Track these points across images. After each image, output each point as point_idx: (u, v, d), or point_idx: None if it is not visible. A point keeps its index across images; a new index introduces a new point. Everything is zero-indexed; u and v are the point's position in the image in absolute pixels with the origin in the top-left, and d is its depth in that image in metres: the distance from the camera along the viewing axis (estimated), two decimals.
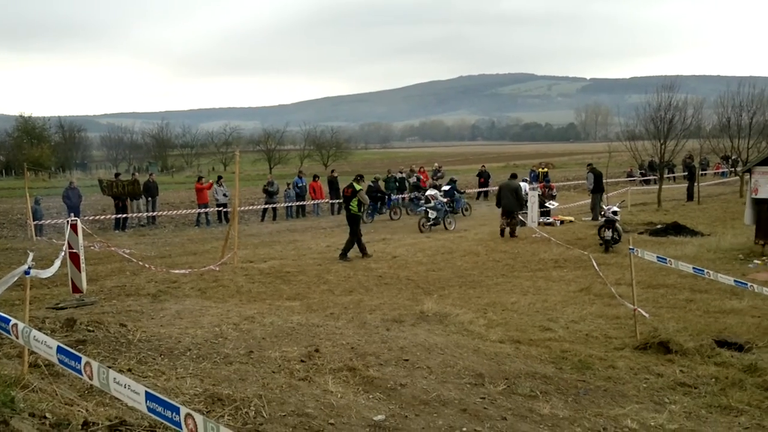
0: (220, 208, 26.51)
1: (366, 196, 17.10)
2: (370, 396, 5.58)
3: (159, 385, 5.10)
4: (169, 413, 2.69)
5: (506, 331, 8.91)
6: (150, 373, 5.53)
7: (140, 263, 13.61)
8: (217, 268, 13.64)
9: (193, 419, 2.60)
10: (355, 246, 16.04)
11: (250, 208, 28.43)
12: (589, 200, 24.86)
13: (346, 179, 19.52)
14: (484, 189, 36.28)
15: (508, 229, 18.97)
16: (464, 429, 4.83)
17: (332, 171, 33.62)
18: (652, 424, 5.29)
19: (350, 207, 16.20)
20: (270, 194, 28.40)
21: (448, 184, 27.96)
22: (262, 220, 27.67)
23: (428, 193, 24.64)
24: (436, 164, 37.49)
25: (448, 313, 9.64)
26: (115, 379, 3.01)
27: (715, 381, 6.83)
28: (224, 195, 26.62)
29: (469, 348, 7.75)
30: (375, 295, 11.77)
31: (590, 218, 23.02)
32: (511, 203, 19.16)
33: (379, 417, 4.95)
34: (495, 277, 13.55)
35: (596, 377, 6.90)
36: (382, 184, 29.68)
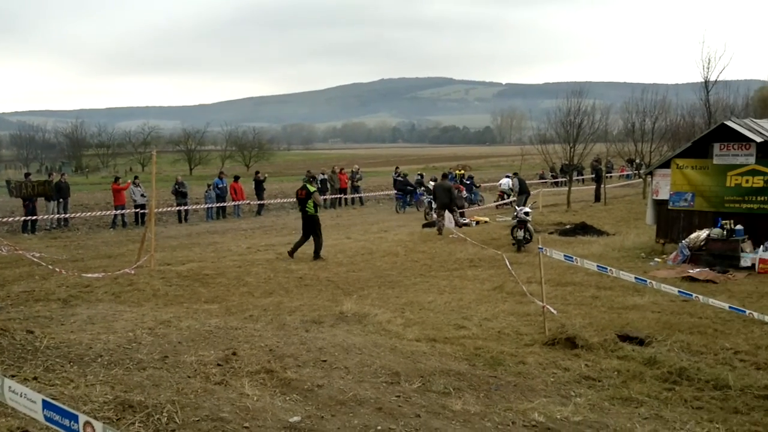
0: (137, 210, 25.76)
1: (320, 198, 16.99)
2: (287, 398, 5.53)
3: (66, 393, 4.90)
4: (67, 422, 2.59)
5: (423, 329, 9.00)
6: (57, 381, 5.32)
7: (50, 267, 13.08)
8: (133, 272, 13.24)
9: (92, 427, 2.52)
10: (320, 247, 16.00)
11: (169, 209, 27.71)
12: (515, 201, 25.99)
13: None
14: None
15: (441, 226, 19.50)
16: (379, 427, 4.85)
17: (257, 172, 33.28)
18: (558, 416, 5.45)
19: (306, 209, 16.10)
20: (180, 195, 27.82)
21: (467, 179, 29.20)
22: (180, 221, 27.06)
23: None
24: (355, 166, 37.54)
25: (366, 313, 9.66)
26: (10, 387, 2.87)
27: (617, 374, 7.09)
28: (142, 196, 25.87)
29: (386, 347, 7.78)
30: (295, 296, 11.68)
31: (508, 218, 23.57)
32: (445, 202, 19.88)
33: (295, 418, 4.92)
34: (413, 277, 13.68)
35: (507, 373, 7.05)
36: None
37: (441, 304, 10.81)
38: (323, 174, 33.84)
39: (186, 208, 27.90)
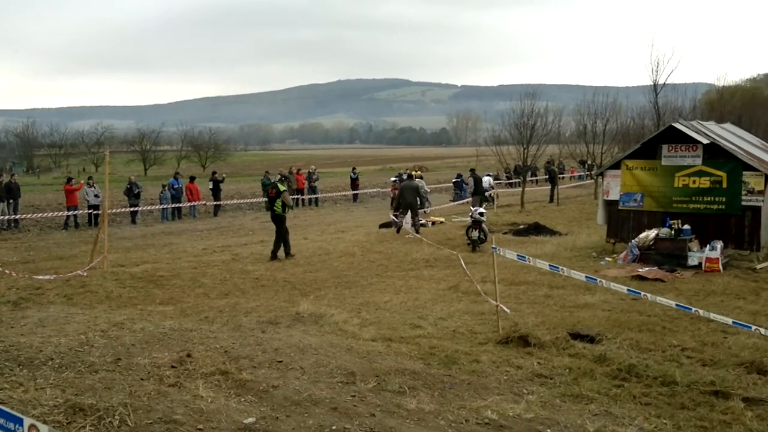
0: (91, 210, 25.22)
1: (289, 198, 17.14)
2: (242, 399, 5.49)
3: (15, 397, 4.78)
4: (11, 425, 2.53)
5: (379, 329, 9.01)
6: (6, 384, 5.18)
7: None
8: (85, 273, 12.97)
9: (37, 430, 2.46)
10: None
11: (123, 210, 27.22)
12: (470, 201, 25.94)
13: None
14: (356, 192, 36.68)
15: (410, 227, 19.63)
16: (334, 427, 4.85)
17: (214, 172, 32.92)
18: (511, 414, 5.52)
19: (275, 208, 16.27)
20: (134, 196, 27.38)
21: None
22: (133, 222, 26.59)
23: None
24: (312, 166, 37.43)
25: (323, 314, 9.64)
26: None
27: (568, 371, 7.20)
28: (95, 196, 25.35)
29: (342, 347, 7.78)
30: (251, 297, 11.59)
31: (464, 218, 23.74)
32: (413, 202, 20.00)
33: (250, 420, 4.89)
34: (370, 277, 13.69)
35: (461, 371, 7.11)
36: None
37: (397, 304, 10.84)
38: (280, 174, 33.63)
39: (139, 208, 27.45)
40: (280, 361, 6.76)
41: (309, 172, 35.57)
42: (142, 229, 24.34)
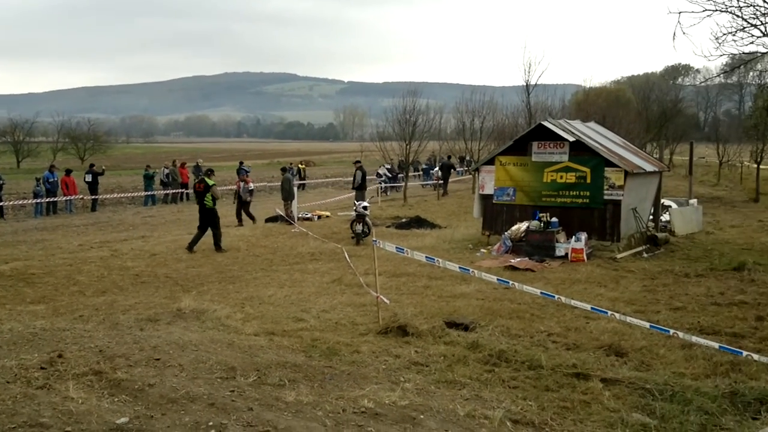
0: None
1: (218, 191, 17.19)
2: (116, 399, 5.27)
3: None
4: None
5: (262, 323, 8.93)
6: None
7: None
8: None
9: None
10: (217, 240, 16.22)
11: None
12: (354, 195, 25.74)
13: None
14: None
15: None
16: (210, 423, 4.75)
17: (91, 165, 31.37)
18: (387, 402, 5.62)
19: (205, 202, 16.29)
20: None
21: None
22: (1, 216, 24.92)
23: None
24: (199, 160, 36.43)
25: (205, 309, 9.44)
26: None
27: (443, 359, 7.41)
28: None
29: (224, 343, 7.65)
30: (130, 294, 11.18)
31: (349, 212, 23.81)
32: (286, 193, 21.54)
33: (123, 420, 4.71)
34: (254, 271, 13.53)
35: (342, 362, 7.16)
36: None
37: (281, 298, 10.78)
38: (166, 168, 32.53)
39: (2, 203, 25.62)
40: (158, 359, 6.55)
41: (196, 165, 34.61)
42: (13, 225, 22.87)
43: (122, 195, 31.10)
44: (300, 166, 38.71)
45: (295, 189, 22.89)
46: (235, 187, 23.42)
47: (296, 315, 9.50)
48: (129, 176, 46.52)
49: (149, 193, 31.01)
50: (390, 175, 33.58)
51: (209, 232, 16.21)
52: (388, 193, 30.98)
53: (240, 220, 20.99)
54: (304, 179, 37.51)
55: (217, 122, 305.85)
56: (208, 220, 16.28)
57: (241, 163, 36.93)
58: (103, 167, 31.30)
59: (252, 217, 21.28)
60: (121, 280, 12.43)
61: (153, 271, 13.37)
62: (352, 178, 25.64)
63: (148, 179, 31.56)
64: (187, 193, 32.33)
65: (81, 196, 28.24)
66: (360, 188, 24.36)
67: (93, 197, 28.51)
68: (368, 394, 5.80)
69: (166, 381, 5.79)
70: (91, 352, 6.60)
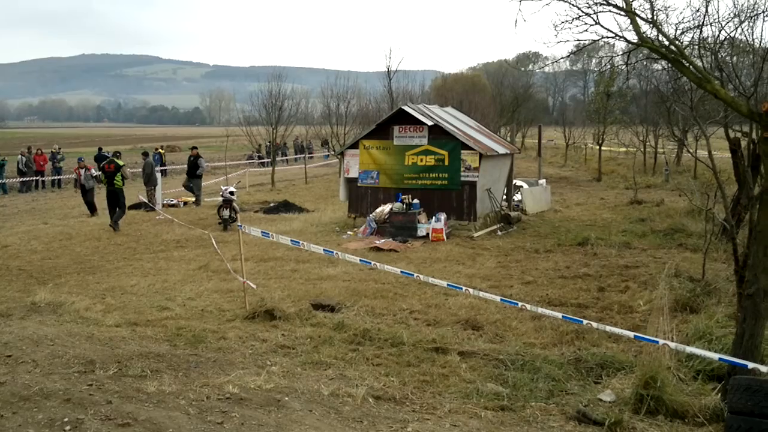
0: None
1: (128, 172, 18.33)
2: None
3: None
4: None
5: (124, 314, 8.58)
6: None
7: None
8: None
9: None
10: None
11: None
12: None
13: None
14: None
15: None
16: (66, 419, 4.50)
17: None
18: (252, 386, 5.56)
19: (115, 181, 16.86)
20: None
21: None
22: None
23: None
24: (56, 146, 34.07)
25: (63, 302, 8.96)
26: None
27: (310, 340, 7.44)
28: None
29: (82, 336, 7.28)
30: None
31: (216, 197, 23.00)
32: (147, 178, 20.83)
33: None
34: (116, 261, 12.92)
35: (208, 349, 7.02)
36: None
37: (145, 287, 10.39)
38: (23, 156, 30.12)
39: None
40: (10, 356, 6.13)
41: (53, 151, 32.37)
42: None
43: None
44: (160, 151, 37.09)
45: (159, 174, 21.91)
46: (74, 175, 21.80)
47: (161, 304, 9.20)
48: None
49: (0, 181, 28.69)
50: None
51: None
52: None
53: (91, 209, 19.51)
54: (165, 165, 35.98)
55: (74, 106, 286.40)
56: (117, 199, 16.79)
57: (100, 149, 34.85)
58: None
59: (93, 208, 19.54)
60: None
61: (4, 263, 12.44)
62: (187, 165, 23.12)
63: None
64: (43, 181, 30.19)
65: None
66: (199, 176, 22.33)
67: None
68: (233, 379, 5.72)
69: (18, 378, 5.43)
70: None
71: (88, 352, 6.52)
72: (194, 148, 23.26)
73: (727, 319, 7.73)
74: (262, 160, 40.36)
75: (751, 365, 5.28)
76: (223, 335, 7.57)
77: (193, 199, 22.45)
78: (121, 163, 17.38)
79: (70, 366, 5.98)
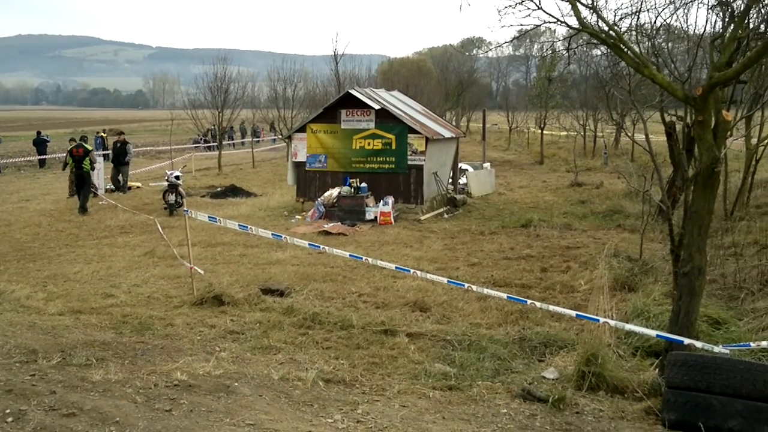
0: None
1: (96, 156, 18.51)
2: None
3: None
4: None
5: (67, 302, 8.34)
6: None
7: None
8: None
9: None
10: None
11: None
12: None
13: None
14: (43, 157, 32.65)
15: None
16: (8, 411, 4.37)
17: None
18: (201, 372, 5.49)
19: (83, 165, 16.85)
20: None
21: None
22: None
23: None
24: None
25: (2, 290, 8.68)
26: None
27: (259, 325, 7.37)
28: None
29: (23, 325, 7.07)
30: None
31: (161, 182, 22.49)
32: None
33: None
34: (58, 248, 12.52)
35: (155, 336, 6.89)
36: None
37: (88, 274, 10.11)
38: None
39: None
40: None
41: None
42: None
43: None
44: (102, 134, 35.96)
45: (101, 158, 21.22)
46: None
47: (105, 291, 8.98)
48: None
49: None
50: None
51: None
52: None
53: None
54: (107, 149, 34.92)
55: (11, 88, 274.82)
56: (84, 181, 16.79)
57: (39, 132, 33.63)
58: None
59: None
60: None
61: None
62: (113, 152, 22.21)
63: None
64: None
65: None
66: (126, 163, 21.34)
67: None
68: (182, 366, 5.63)
69: None
70: None
71: (30, 341, 6.33)
72: (121, 133, 22.55)
73: (664, 297, 7.98)
74: (208, 144, 39.63)
75: (686, 341, 5.47)
76: (170, 322, 7.43)
77: (139, 184, 21.87)
78: (90, 147, 17.73)
79: (11, 356, 5.80)
